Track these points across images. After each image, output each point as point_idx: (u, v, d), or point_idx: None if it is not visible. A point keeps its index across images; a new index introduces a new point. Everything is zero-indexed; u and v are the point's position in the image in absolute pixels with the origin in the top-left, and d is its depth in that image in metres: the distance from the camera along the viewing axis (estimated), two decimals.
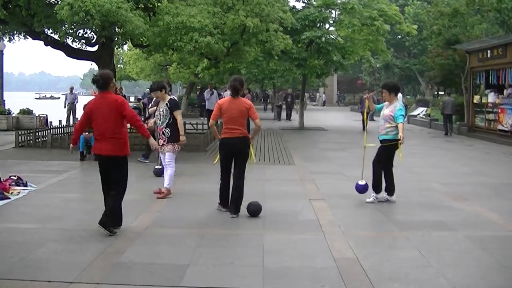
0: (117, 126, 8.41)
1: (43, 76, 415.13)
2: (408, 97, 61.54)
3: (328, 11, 29.99)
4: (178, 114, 11.22)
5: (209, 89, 31.37)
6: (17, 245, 7.75)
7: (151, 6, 19.04)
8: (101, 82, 8.45)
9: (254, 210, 9.60)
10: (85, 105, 10.53)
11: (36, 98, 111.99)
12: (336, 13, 30.44)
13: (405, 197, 11.28)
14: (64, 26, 17.38)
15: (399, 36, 55.46)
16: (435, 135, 28.12)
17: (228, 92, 10.40)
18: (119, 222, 8.60)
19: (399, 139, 10.54)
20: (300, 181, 13.53)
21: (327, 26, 30.76)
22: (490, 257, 7.43)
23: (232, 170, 9.88)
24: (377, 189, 10.87)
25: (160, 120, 11.31)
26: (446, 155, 19.71)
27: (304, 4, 31.98)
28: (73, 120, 29.82)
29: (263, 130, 28.64)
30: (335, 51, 28.78)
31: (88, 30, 18.64)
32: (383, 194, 10.87)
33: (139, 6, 17.91)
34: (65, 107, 32.04)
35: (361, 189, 10.97)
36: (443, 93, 47.21)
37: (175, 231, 8.65)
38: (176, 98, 11.83)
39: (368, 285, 6.27)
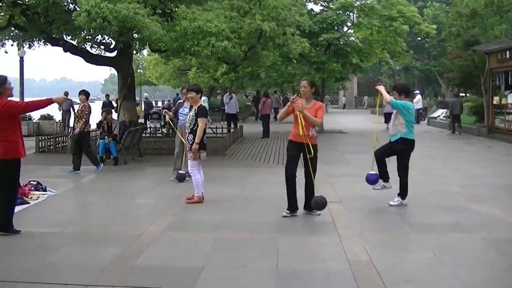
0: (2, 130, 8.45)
1: (64, 82, 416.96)
2: (429, 99, 61.32)
3: (346, 14, 30.00)
4: (201, 121, 10.99)
5: (228, 93, 31.50)
6: (34, 248, 7.87)
7: (169, 11, 19.15)
8: None
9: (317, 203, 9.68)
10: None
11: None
12: (354, 15, 30.43)
13: (421, 200, 11.24)
14: (83, 32, 17.57)
15: (419, 38, 55.21)
16: (454, 137, 27.97)
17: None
18: None
19: (412, 140, 10.59)
20: (317, 184, 13.47)
21: (345, 29, 30.75)
22: (505, 259, 7.41)
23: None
24: (384, 178, 10.91)
25: (187, 124, 11.17)
26: (465, 157, 19.59)
27: (322, 7, 31.95)
28: (67, 129, 28.48)
29: (282, 133, 28.61)
30: (353, 53, 28.76)
31: (106, 36, 18.82)
32: (396, 198, 10.81)
33: (157, 11, 18.01)
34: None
35: (372, 180, 10.93)
36: (463, 94, 46.96)
37: (190, 235, 8.72)
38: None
39: (381, 287, 6.28)
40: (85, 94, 15.68)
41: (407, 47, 34.57)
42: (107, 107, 28.19)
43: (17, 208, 10.19)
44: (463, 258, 7.40)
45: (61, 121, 30.63)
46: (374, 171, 10.95)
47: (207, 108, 12.99)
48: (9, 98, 8.65)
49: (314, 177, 9.79)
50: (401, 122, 10.51)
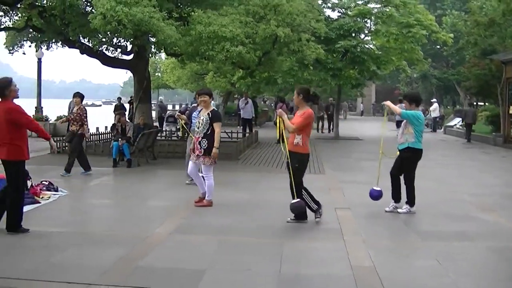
0: (7, 132, 8.59)
1: (84, 83, 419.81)
2: (448, 107, 60.96)
3: (363, 21, 29.98)
4: (217, 126, 10.95)
5: (244, 98, 31.61)
6: (41, 247, 7.98)
7: (185, 15, 19.25)
8: None
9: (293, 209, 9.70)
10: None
11: None
12: (371, 22, 30.40)
13: (431, 208, 11.24)
14: (99, 35, 17.73)
15: (438, 46, 54.93)
16: (470, 145, 27.86)
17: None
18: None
19: (420, 149, 10.63)
20: (328, 190, 13.55)
21: (362, 36, 30.71)
22: (509, 268, 7.41)
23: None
24: (396, 199, 10.90)
25: (198, 128, 11.02)
26: (479, 166, 19.53)
27: (339, 14, 31.94)
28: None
29: None
30: (370, 61, 28.72)
31: (122, 39, 18.98)
32: (403, 205, 10.81)
33: (173, 15, 18.12)
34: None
35: (376, 196, 10.94)
36: (481, 103, 46.69)
37: (196, 238, 8.78)
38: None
39: None
40: (79, 96, 15.56)
41: (425, 55, 34.45)
42: (119, 109, 28.39)
43: (28, 208, 10.40)
44: (466, 267, 7.40)
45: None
46: (379, 186, 10.98)
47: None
48: (14, 100, 8.87)
49: (294, 184, 9.70)
50: (410, 132, 10.54)
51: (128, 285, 6.45)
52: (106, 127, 26.66)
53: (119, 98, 31.57)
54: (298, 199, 9.64)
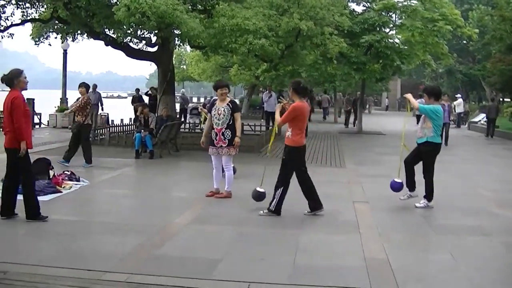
0: (10, 121, 8.78)
1: (110, 75, 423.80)
2: (473, 103, 60.57)
3: (388, 15, 29.85)
4: (238, 116, 11.18)
5: (267, 91, 31.65)
6: (62, 235, 8.15)
7: (209, 8, 19.35)
8: (6, 81, 8.97)
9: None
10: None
11: (103, 97, 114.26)
12: (396, 17, 30.26)
13: (449, 202, 11.24)
14: (123, 27, 17.88)
15: (464, 41, 54.53)
16: (493, 141, 27.70)
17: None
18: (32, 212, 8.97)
19: (438, 143, 10.67)
20: (347, 184, 13.61)
21: (387, 30, 30.56)
22: None
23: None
24: (411, 187, 10.95)
25: (219, 120, 11.08)
26: (500, 162, 19.43)
27: (364, 8, 31.84)
28: (94, 124, 25.63)
29: (320, 133, 28.65)
30: (394, 55, 28.60)
31: (145, 31, 19.12)
32: (422, 200, 10.84)
33: (197, 8, 18.23)
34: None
35: (397, 187, 11.01)
36: (508, 99, 46.33)
37: (213, 228, 8.90)
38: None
39: (393, 285, 6.37)
40: (85, 86, 15.64)
41: (451, 50, 34.22)
42: (137, 101, 28.48)
43: (50, 197, 10.71)
44: (479, 261, 7.43)
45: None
46: (400, 178, 11.02)
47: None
48: (22, 91, 9.11)
49: (279, 175, 9.90)
50: (429, 126, 10.56)
51: (144, 272, 6.57)
52: (130, 119, 26.89)
53: (137, 90, 31.47)
54: (263, 190, 10.24)
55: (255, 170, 14.97)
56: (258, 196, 10.31)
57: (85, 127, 15.31)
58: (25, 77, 9.12)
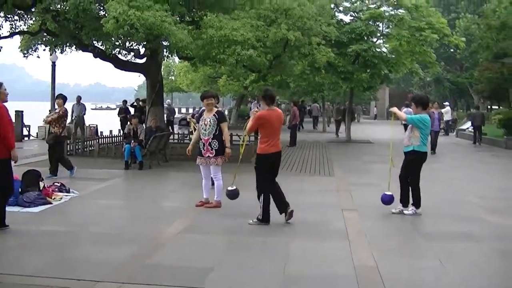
0: None
1: (99, 87, 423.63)
2: (461, 111, 60.88)
3: (375, 24, 30.04)
4: (225, 126, 11.24)
5: (256, 101, 31.77)
6: (54, 246, 8.21)
7: (197, 19, 19.46)
8: None
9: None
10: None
11: (92, 109, 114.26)
12: (384, 26, 30.47)
13: (437, 209, 11.37)
14: (112, 39, 17.97)
15: (451, 50, 54.86)
16: (481, 149, 27.89)
17: (261, 106, 10.55)
18: None
19: (424, 152, 10.84)
20: (336, 192, 13.71)
21: (374, 39, 30.74)
22: (510, 269, 7.51)
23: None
24: (404, 203, 11.01)
25: (206, 130, 11.18)
26: (489, 169, 19.58)
27: (352, 18, 32.01)
28: (82, 134, 27.19)
29: (309, 142, 28.73)
30: (382, 64, 28.79)
31: (134, 43, 19.22)
32: (410, 207, 10.94)
33: (185, 19, 18.32)
34: (71, 121, 27.89)
35: (387, 200, 11.09)
36: (496, 107, 46.61)
37: (205, 237, 8.98)
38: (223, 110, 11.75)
39: None
40: (62, 98, 15.48)
41: (438, 59, 34.43)
42: (123, 113, 28.51)
43: (40, 208, 10.78)
44: (468, 267, 7.52)
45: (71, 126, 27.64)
46: (390, 191, 11.12)
47: None
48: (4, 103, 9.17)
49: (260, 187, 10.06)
50: (416, 135, 10.72)
51: (136, 282, 6.65)
52: (119, 130, 26.92)
53: (125, 101, 31.25)
54: (235, 187, 10.66)
55: (241, 179, 15.05)
56: (232, 195, 10.71)
57: (61, 139, 15.29)
58: (5, 89, 9.28)
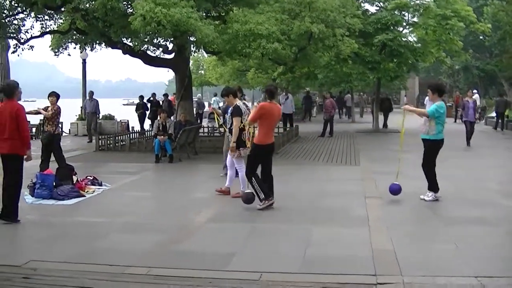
0: (13, 129, 9.28)
1: (129, 83, 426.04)
2: (492, 98, 60.33)
3: (401, 14, 30.09)
4: (235, 121, 11.36)
5: (284, 94, 32.03)
6: (86, 235, 8.68)
7: (223, 14, 19.82)
8: (7, 91, 9.51)
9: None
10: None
11: (123, 104, 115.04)
12: (409, 15, 30.52)
13: (457, 195, 11.61)
14: (140, 35, 18.40)
15: (480, 37, 54.40)
16: (508, 136, 27.85)
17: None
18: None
19: (441, 139, 11.11)
20: (360, 181, 13.98)
21: (400, 28, 30.79)
22: None
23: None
24: (434, 189, 11.16)
25: (226, 124, 11.87)
26: None
27: (377, 8, 32.07)
28: (94, 129, 26.07)
29: (337, 133, 28.92)
30: (408, 53, 28.85)
31: (161, 39, 19.63)
32: (428, 192, 11.17)
33: (210, 15, 18.68)
34: (83, 118, 28.91)
35: (395, 190, 11.33)
36: None
37: (230, 225, 9.40)
38: (240, 105, 11.72)
39: (396, 272, 6.77)
40: (55, 95, 14.85)
41: (467, 46, 34.28)
42: (141, 109, 28.96)
43: (74, 201, 11.23)
44: (482, 250, 7.76)
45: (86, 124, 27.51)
46: (398, 181, 11.40)
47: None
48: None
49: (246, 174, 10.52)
50: (432, 125, 10.94)
51: (163, 266, 7.06)
52: (150, 125, 27.40)
53: (141, 97, 31.29)
54: (249, 191, 10.53)
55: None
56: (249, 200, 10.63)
57: (55, 137, 14.92)
58: (20, 88, 9.81)
